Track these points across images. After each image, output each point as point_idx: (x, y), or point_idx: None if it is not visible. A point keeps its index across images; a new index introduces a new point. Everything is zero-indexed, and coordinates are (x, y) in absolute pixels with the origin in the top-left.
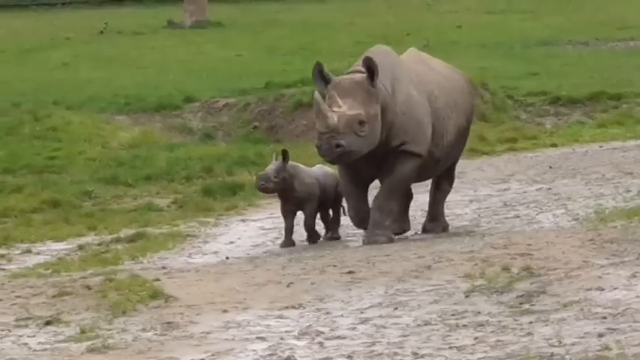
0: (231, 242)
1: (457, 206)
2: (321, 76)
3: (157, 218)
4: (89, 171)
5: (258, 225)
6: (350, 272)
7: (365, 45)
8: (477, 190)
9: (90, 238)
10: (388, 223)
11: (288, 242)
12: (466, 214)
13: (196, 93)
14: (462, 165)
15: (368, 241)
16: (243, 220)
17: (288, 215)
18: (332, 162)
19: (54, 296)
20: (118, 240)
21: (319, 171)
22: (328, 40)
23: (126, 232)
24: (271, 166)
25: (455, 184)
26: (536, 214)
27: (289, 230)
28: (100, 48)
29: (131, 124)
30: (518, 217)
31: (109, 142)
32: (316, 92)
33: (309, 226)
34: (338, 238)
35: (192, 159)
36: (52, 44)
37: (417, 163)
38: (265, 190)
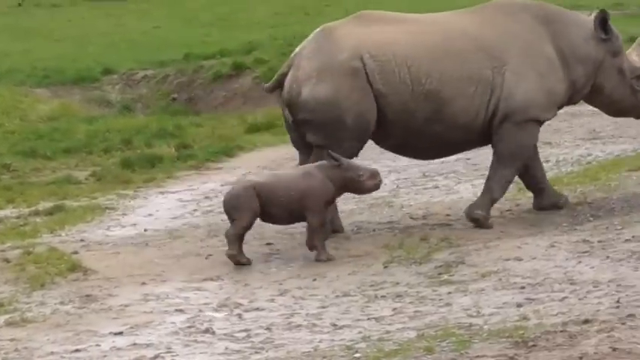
0: (150, 215)
1: None
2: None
3: (76, 191)
4: (7, 144)
5: (177, 197)
6: (268, 244)
7: (283, 16)
8: (395, 160)
9: (8, 211)
10: None
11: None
12: (385, 184)
13: (115, 65)
14: None
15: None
16: (161, 193)
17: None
18: None
19: None
20: (36, 213)
21: None
22: (246, 11)
23: (44, 204)
24: None
25: (374, 155)
26: (455, 185)
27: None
28: (18, 20)
29: (50, 96)
30: (437, 187)
31: (28, 115)
32: None
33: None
34: None
35: (110, 131)
36: None
37: None
38: None
